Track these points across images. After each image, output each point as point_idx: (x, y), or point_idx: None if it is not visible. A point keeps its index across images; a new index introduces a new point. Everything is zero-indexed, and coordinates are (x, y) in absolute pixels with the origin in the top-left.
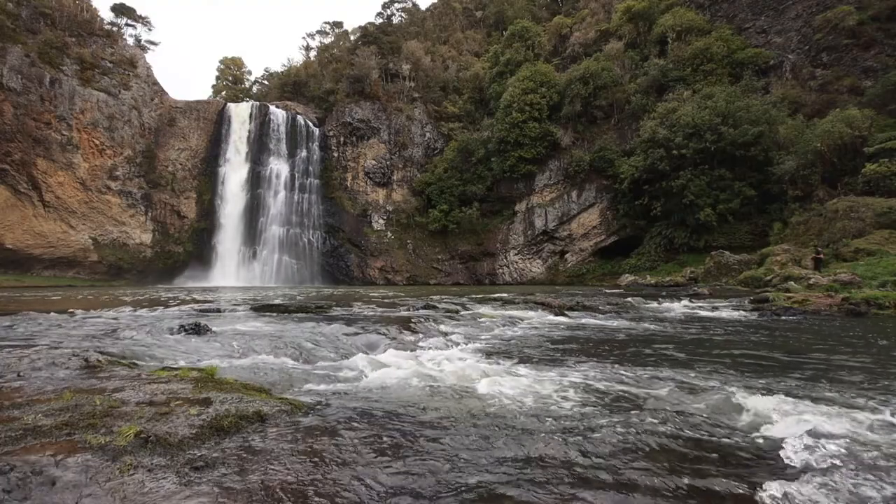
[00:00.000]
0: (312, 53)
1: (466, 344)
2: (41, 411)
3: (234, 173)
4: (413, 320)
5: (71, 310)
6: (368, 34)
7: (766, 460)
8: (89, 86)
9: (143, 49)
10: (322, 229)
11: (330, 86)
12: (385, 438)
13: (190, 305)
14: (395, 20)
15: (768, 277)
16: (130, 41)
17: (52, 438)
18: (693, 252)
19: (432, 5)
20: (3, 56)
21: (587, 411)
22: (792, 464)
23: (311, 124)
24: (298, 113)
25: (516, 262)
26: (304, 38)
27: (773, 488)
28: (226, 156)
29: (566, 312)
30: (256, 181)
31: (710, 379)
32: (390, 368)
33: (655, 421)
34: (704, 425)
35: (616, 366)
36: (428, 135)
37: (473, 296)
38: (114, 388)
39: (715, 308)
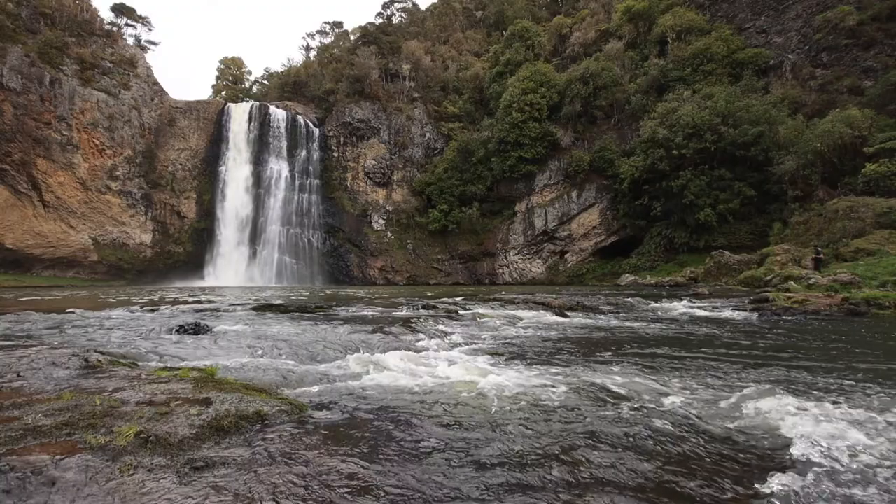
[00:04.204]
0: (312, 53)
1: (467, 344)
2: (41, 411)
3: (235, 173)
4: (413, 320)
5: (71, 310)
6: (368, 34)
7: (771, 460)
8: (89, 86)
9: (143, 49)
10: (322, 229)
11: (330, 86)
12: (385, 439)
13: (189, 305)
14: (395, 20)
15: (768, 277)
16: (130, 41)
17: (52, 438)
18: (693, 252)
19: (432, 5)
20: (3, 56)
21: (589, 411)
22: (798, 464)
23: (311, 124)
24: (298, 113)
25: (516, 262)
26: (304, 38)
27: (778, 488)
28: (226, 156)
29: (566, 312)
30: (256, 181)
31: (713, 379)
32: (390, 369)
33: (659, 420)
34: (708, 425)
35: (617, 366)
36: (428, 135)
37: (473, 296)
38: (114, 388)
39: (715, 308)
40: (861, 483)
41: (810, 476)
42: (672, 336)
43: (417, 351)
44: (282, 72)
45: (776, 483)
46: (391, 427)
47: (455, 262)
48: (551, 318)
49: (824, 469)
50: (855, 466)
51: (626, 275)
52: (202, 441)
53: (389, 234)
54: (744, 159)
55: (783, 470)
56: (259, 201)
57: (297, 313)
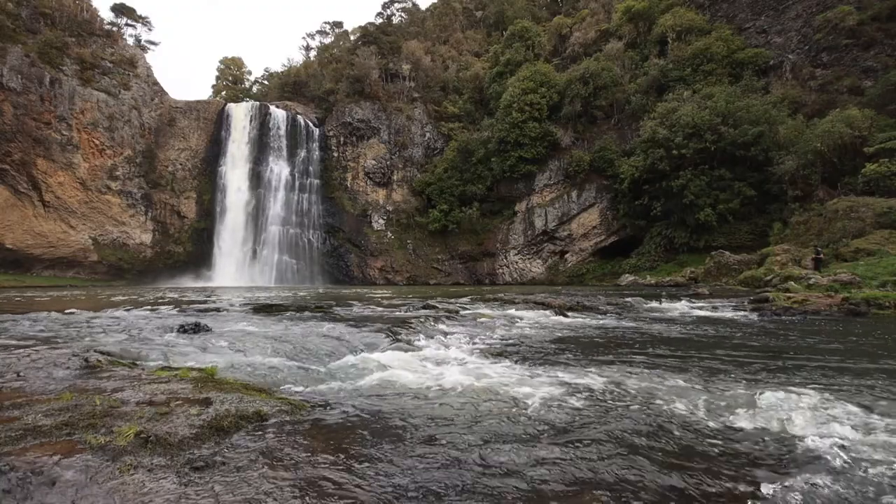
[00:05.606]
0: (312, 53)
1: (466, 344)
2: (41, 411)
3: (234, 173)
4: (413, 320)
5: (71, 310)
6: (368, 34)
7: (774, 461)
8: (89, 86)
9: (143, 49)
10: (322, 229)
11: (330, 86)
12: (384, 439)
13: (190, 305)
14: (395, 20)
15: (768, 277)
16: (130, 41)
17: (52, 438)
18: (693, 252)
19: (432, 5)
20: (3, 56)
21: (588, 411)
22: (802, 464)
23: (311, 124)
24: (298, 113)
25: (516, 263)
26: (304, 38)
27: (782, 488)
28: (226, 156)
29: (566, 312)
30: (256, 181)
31: (715, 379)
32: (390, 369)
33: (660, 420)
34: (711, 425)
35: (617, 365)
36: (428, 135)
37: (473, 296)
38: (114, 388)
39: (715, 308)
40: (873, 483)
41: (820, 476)
42: (674, 336)
43: (417, 350)
44: (282, 72)
45: (785, 484)
46: (391, 427)
47: (455, 262)
48: (552, 318)
49: (834, 469)
50: (866, 467)
51: (626, 275)
52: (202, 441)
53: (389, 234)
54: (744, 159)
55: (792, 470)
56: (259, 201)
57: (297, 313)
